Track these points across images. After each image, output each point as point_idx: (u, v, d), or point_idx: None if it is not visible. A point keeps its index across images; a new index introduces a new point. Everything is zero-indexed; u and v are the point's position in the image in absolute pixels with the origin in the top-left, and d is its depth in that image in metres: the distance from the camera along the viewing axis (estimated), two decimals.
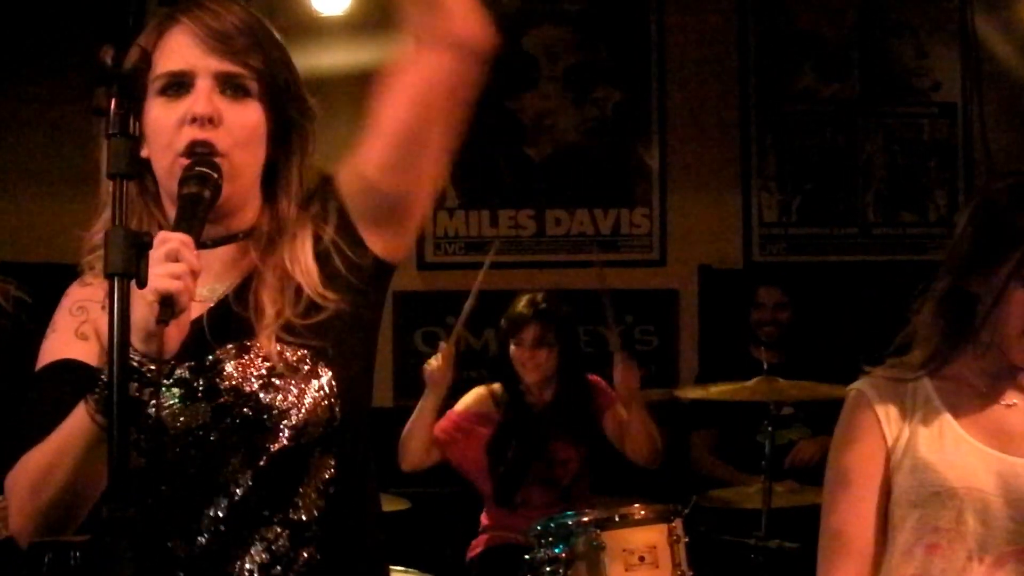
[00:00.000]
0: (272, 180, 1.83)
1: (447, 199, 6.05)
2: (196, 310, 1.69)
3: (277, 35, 1.84)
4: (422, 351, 6.05)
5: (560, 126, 6.13)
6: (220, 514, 1.72)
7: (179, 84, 1.73)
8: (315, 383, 1.75)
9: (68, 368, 1.73)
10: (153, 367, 1.56)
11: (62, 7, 5.46)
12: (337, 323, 1.78)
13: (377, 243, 1.83)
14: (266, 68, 1.78)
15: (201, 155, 1.70)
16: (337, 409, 1.76)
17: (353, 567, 1.82)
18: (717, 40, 6.15)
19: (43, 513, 1.67)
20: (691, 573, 3.69)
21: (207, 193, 1.65)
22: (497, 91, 6.02)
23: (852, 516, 2.16)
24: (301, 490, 1.75)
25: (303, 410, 1.73)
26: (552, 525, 3.74)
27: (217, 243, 1.78)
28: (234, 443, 1.72)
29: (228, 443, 1.72)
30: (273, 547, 1.73)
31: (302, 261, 1.77)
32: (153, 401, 1.62)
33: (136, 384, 1.54)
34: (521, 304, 4.57)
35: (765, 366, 4.55)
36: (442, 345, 4.51)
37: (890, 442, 2.16)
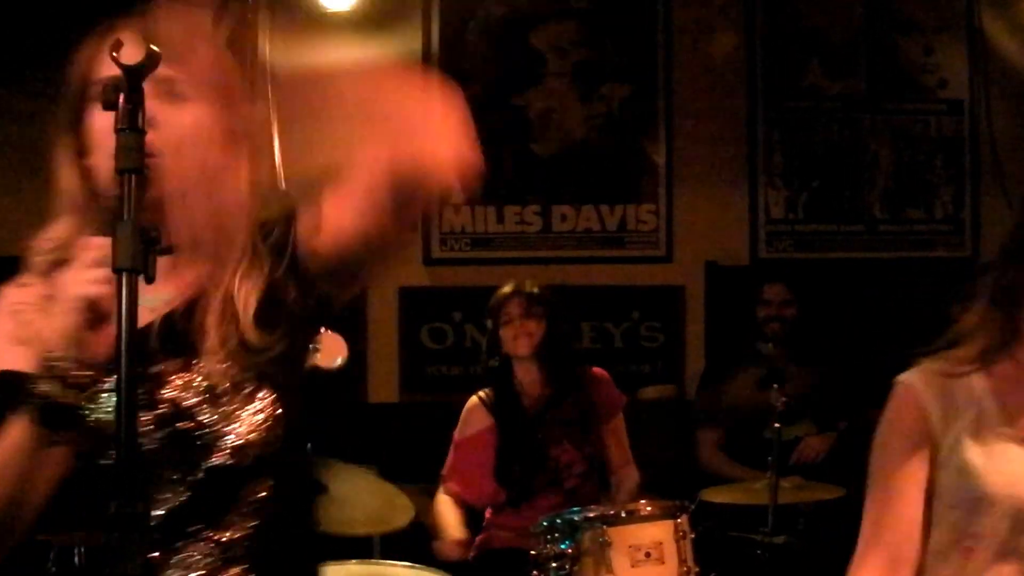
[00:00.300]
0: (218, 189, 1.80)
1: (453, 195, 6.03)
2: (145, 316, 1.69)
3: (226, 41, 1.82)
4: (427, 347, 6.06)
5: (567, 122, 6.13)
6: (152, 524, 1.70)
7: (117, 91, 1.73)
8: (255, 405, 1.74)
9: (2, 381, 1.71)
10: (87, 373, 1.56)
11: (62, 6, 5.46)
12: (279, 350, 1.76)
13: (325, 287, 1.82)
14: (208, 73, 1.76)
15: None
16: (276, 433, 1.75)
17: None
18: (724, 37, 6.15)
19: None
20: (697, 569, 3.69)
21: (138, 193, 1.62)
22: (504, 87, 6.04)
23: (887, 509, 2.11)
24: (234, 509, 1.74)
25: (241, 431, 1.72)
26: (558, 521, 3.73)
27: (161, 251, 1.76)
28: (169, 456, 1.71)
29: (163, 455, 1.71)
30: (203, 563, 1.72)
31: (245, 292, 1.75)
32: (91, 406, 1.63)
33: (71, 391, 1.54)
34: (501, 288, 4.59)
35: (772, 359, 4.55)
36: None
37: (936, 439, 2.08)
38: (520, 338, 4.47)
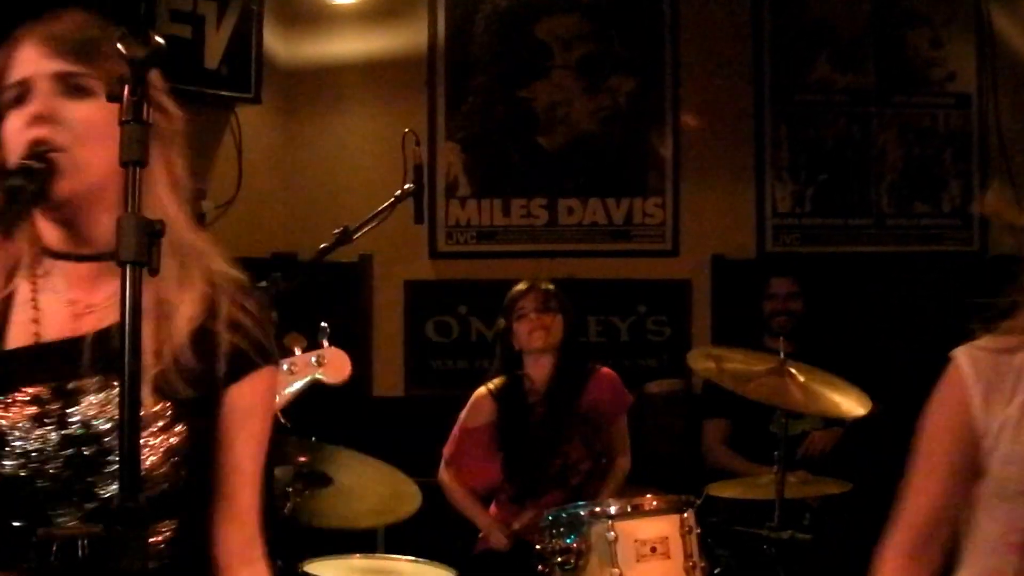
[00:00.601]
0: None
1: (459, 188, 6.04)
2: (88, 323, 1.69)
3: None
4: (433, 340, 6.05)
5: (573, 115, 6.11)
6: (46, 550, 1.65)
7: (23, 92, 1.73)
8: (167, 440, 1.70)
9: None
10: None
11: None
12: (203, 389, 1.74)
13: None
14: (114, 68, 1.68)
15: (37, 152, 1.67)
16: (183, 471, 1.71)
17: None
18: (731, 30, 6.13)
19: None
20: (703, 564, 3.68)
21: (32, 186, 1.62)
22: (510, 80, 6.02)
23: (918, 491, 2.05)
24: (131, 546, 1.65)
25: (146, 464, 1.66)
26: (564, 515, 3.73)
27: (82, 259, 1.75)
28: (68, 478, 1.68)
29: (63, 476, 1.68)
30: None
31: (183, 308, 1.73)
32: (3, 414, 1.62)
33: None
34: (517, 285, 4.63)
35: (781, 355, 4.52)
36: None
37: (982, 424, 1.96)
38: (536, 332, 4.52)
